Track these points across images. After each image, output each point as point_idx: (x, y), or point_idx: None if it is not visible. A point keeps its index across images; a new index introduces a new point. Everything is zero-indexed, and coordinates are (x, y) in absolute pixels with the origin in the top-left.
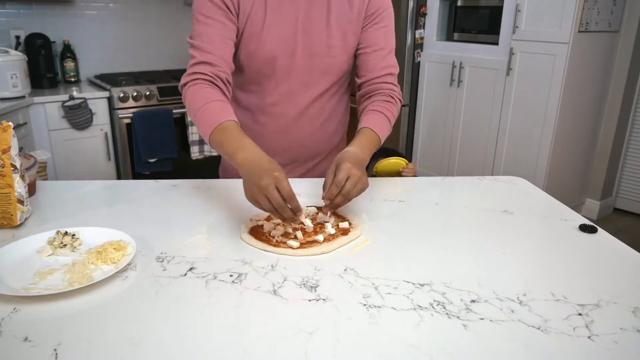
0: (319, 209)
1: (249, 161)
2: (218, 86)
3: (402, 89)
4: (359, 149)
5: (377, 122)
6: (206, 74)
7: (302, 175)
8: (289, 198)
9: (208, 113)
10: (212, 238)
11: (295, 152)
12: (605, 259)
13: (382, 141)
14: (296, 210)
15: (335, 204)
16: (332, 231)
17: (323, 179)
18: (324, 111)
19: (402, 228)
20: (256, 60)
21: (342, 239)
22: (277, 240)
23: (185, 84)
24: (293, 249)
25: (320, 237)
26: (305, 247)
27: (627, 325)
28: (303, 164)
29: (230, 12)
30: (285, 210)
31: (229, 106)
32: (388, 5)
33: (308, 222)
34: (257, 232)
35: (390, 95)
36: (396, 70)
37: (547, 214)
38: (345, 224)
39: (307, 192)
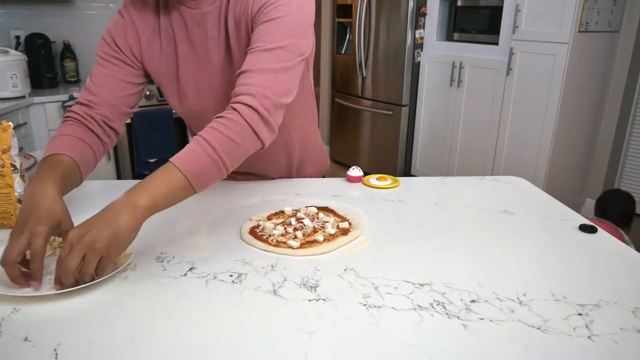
0: (319, 209)
1: (28, 194)
2: (87, 125)
3: (402, 89)
4: (129, 193)
5: (187, 154)
6: (78, 114)
7: (290, 172)
8: (33, 256)
9: (50, 145)
10: (212, 238)
11: (265, 163)
12: (605, 259)
13: (191, 178)
14: (33, 274)
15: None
16: (332, 231)
17: (324, 179)
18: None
19: (402, 228)
20: (187, 113)
21: (342, 239)
22: (277, 240)
23: (61, 124)
24: (293, 249)
25: (320, 237)
26: (305, 247)
27: (627, 325)
28: (278, 169)
29: (126, 55)
30: (8, 267)
31: (75, 142)
32: None
33: (307, 222)
34: (257, 232)
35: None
36: (257, 92)
37: (547, 214)
38: (345, 224)
39: (306, 192)
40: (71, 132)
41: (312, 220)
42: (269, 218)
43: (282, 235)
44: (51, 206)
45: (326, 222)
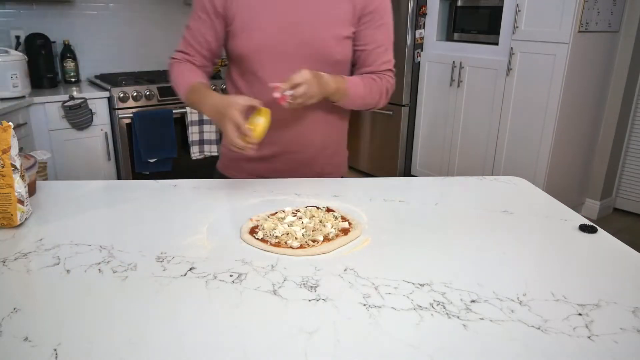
0: (319, 209)
1: (211, 107)
2: (193, 63)
3: (402, 89)
4: (348, 79)
5: (355, 82)
6: (182, 58)
7: (303, 166)
8: (237, 126)
9: (181, 78)
10: (212, 238)
11: (293, 143)
12: (605, 259)
13: (350, 100)
14: (245, 134)
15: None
16: (332, 231)
17: (323, 179)
18: (320, 106)
19: (402, 228)
20: (248, 50)
21: (342, 239)
22: (276, 241)
23: (169, 65)
24: (293, 249)
25: (320, 237)
26: (305, 247)
27: (627, 325)
28: (298, 153)
29: (215, 14)
30: (242, 128)
31: (198, 72)
32: (384, 1)
33: (307, 222)
34: (257, 231)
35: (385, 85)
36: (393, 64)
37: (547, 214)
38: (345, 224)
39: (306, 192)
40: (189, 67)
41: (312, 220)
42: (268, 218)
43: (283, 235)
44: (227, 103)
45: (326, 222)
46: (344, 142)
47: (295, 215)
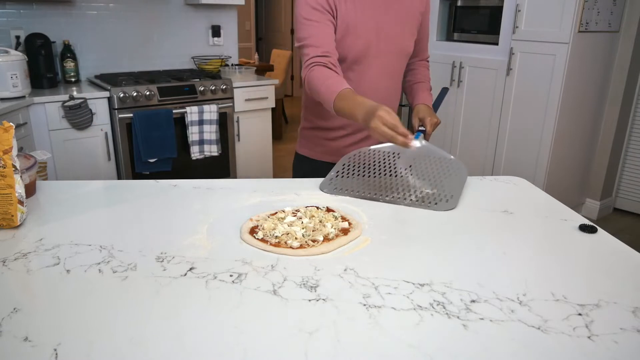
0: (319, 209)
1: (364, 113)
2: (331, 69)
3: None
4: (428, 101)
5: (427, 97)
6: (320, 62)
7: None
8: (393, 127)
9: (327, 87)
10: (212, 238)
11: None
12: (605, 259)
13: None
14: (405, 135)
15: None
16: (332, 231)
17: (323, 179)
18: (395, 88)
19: (402, 228)
20: (354, 49)
21: (342, 239)
22: (276, 241)
23: (305, 75)
24: (293, 248)
25: (320, 237)
26: (305, 247)
27: (627, 325)
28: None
29: (329, 12)
30: (395, 138)
31: (343, 79)
32: None
33: (307, 222)
34: (257, 231)
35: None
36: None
37: (547, 214)
38: (345, 224)
39: (306, 192)
40: (330, 73)
41: (312, 220)
42: (268, 218)
43: (283, 235)
44: (375, 106)
45: (326, 222)
46: None
47: (295, 216)
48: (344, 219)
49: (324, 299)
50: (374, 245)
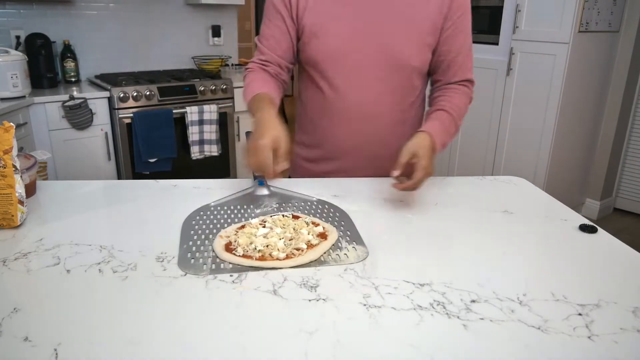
0: (287, 216)
1: (260, 120)
2: (268, 72)
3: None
4: (435, 133)
5: (437, 131)
6: (255, 69)
7: (368, 175)
8: (261, 164)
9: (249, 87)
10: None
11: (365, 151)
12: (605, 259)
13: (450, 139)
14: (277, 171)
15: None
16: (311, 237)
17: (324, 179)
18: (394, 111)
19: (402, 228)
20: (320, 56)
21: (325, 244)
22: (260, 254)
23: (244, 76)
24: (280, 260)
25: (303, 245)
26: (292, 257)
27: (627, 325)
28: (372, 162)
29: (286, 11)
30: (267, 171)
31: (270, 82)
32: (468, 5)
33: (280, 231)
34: (232, 249)
35: (462, 109)
36: (472, 70)
37: (547, 214)
38: (319, 229)
39: (307, 192)
40: (261, 76)
41: (285, 229)
42: (242, 227)
43: (264, 247)
44: (271, 125)
45: (300, 229)
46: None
47: (264, 226)
48: (314, 224)
49: (324, 299)
50: (374, 245)
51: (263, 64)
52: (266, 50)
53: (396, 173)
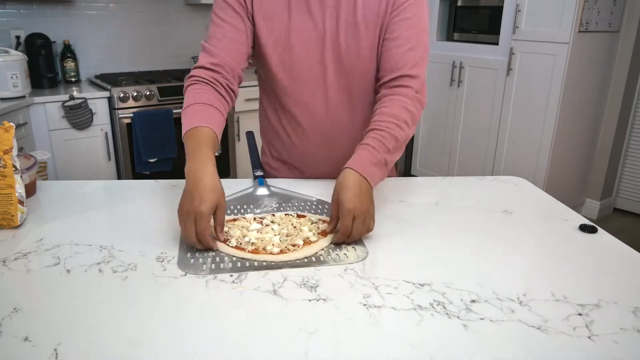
0: (292, 215)
1: (191, 171)
2: (215, 88)
3: None
4: (361, 167)
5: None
6: (205, 78)
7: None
8: (200, 234)
9: (188, 115)
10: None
11: (338, 161)
12: (605, 259)
13: (393, 157)
14: (209, 247)
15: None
16: (311, 234)
17: (323, 179)
18: (365, 118)
19: (402, 228)
20: (283, 66)
21: (323, 241)
22: (254, 247)
23: (186, 87)
24: (274, 254)
25: (299, 241)
26: (285, 252)
27: (627, 325)
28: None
29: (242, 10)
30: (206, 241)
31: (214, 111)
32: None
33: (277, 228)
34: (227, 239)
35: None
36: (418, 70)
37: (547, 214)
38: (324, 226)
39: (308, 192)
40: (207, 96)
41: (284, 226)
42: (229, 223)
43: (259, 241)
44: (212, 186)
45: (302, 226)
46: None
47: (260, 223)
48: (323, 221)
49: (324, 299)
50: (374, 245)
51: (213, 71)
52: (217, 51)
53: (329, 228)
